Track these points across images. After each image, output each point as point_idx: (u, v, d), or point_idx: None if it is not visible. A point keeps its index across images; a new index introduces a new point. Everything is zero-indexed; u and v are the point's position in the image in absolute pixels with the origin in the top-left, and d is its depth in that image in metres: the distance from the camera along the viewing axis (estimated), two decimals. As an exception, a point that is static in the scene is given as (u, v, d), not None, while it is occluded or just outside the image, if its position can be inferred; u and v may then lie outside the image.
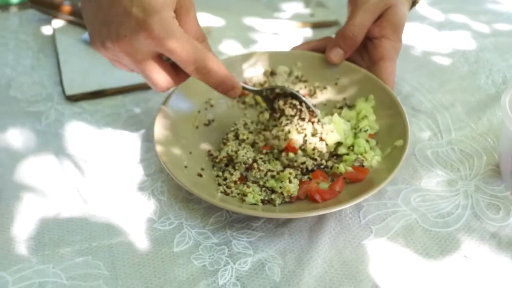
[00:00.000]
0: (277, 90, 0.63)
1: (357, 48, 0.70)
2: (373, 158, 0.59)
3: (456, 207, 0.56)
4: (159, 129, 0.60)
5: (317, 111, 0.62)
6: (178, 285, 0.49)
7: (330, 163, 0.59)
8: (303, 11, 0.94)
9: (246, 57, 0.71)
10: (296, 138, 0.59)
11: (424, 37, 0.87)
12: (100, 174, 0.61)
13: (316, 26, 0.90)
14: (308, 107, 0.61)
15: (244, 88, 0.61)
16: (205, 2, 0.97)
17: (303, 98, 0.62)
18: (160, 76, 0.54)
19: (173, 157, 0.58)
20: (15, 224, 0.55)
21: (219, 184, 0.57)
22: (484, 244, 0.53)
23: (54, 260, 0.51)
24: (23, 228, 0.54)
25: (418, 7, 0.95)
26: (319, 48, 0.73)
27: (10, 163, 0.62)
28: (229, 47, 0.84)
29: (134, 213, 0.56)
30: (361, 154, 0.59)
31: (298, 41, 0.84)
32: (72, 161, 0.62)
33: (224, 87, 0.57)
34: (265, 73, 0.71)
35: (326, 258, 0.51)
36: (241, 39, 0.86)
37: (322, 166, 0.59)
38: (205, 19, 0.91)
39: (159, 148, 0.57)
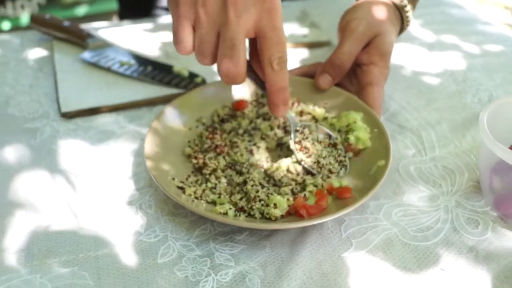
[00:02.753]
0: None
1: (347, 74, 0.73)
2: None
3: (436, 222, 0.58)
4: (149, 144, 0.63)
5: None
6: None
7: (319, 180, 0.61)
8: (297, 32, 0.97)
9: None
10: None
11: (415, 57, 0.90)
12: (91, 188, 0.63)
13: (309, 46, 0.93)
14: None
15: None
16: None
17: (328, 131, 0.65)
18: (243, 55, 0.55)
19: (161, 171, 0.60)
20: (6, 236, 0.57)
21: (200, 197, 0.59)
22: (461, 258, 0.54)
23: (41, 270, 0.53)
24: (13, 240, 0.56)
25: (410, 28, 0.97)
26: (310, 73, 0.75)
27: (4, 178, 0.64)
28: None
29: (121, 226, 0.58)
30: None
31: (291, 60, 0.87)
32: (64, 175, 0.65)
33: (281, 96, 0.58)
34: (257, 94, 0.74)
35: (306, 270, 0.53)
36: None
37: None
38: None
39: (148, 163, 0.60)
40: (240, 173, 0.62)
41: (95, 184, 0.64)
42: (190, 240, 0.56)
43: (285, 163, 0.63)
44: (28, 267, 0.53)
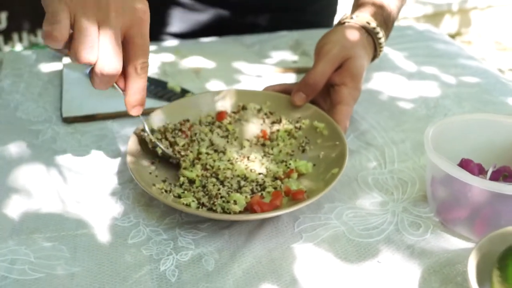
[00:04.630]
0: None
1: (321, 93, 0.81)
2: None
3: (382, 223, 0.65)
4: (133, 143, 0.72)
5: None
6: (126, 267, 0.59)
7: (278, 183, 0.69)
8: (288, 58, 1.07)
9: (222, 92, 0.83)
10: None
11: (393, 84, 0.98)
12: (80, 181, 0.72)
13: (297, 71, 1.02)
14: None
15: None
16: (202, 48, 1.11)
17: None
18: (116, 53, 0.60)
19: (140, 166, 0.69)
20: (1, 215, 0.66)
21: (170, 191, 0.67)
22: (398, 253, 0.61)
23: (27, 243, 0.62)
24: (6, 218, 0.65)
25: (394, 58, 1.06)
26: (287, 90, 0.83)
27: (6, 168, 0.74)
28: (215, 85, 0.96)
29: (101, 213, 0.67)
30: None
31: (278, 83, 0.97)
32: (58, 169, 0.74)
33: (139, 97, 0.65)
34: (237, 106, 0.83)
35: (256, 255, 0.61)
36: (226, 79, 0.99)
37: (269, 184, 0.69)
38: (198, 61, 1.05)
39: (129, 158, 0.69)
40: (213, 174, 0.71)
41: (84, 178, 0.73)
42: (159, 226, 0.65)
43: (241, 166, 0.71)
44: (16, 240, 0.62)
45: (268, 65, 1.05)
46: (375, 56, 0.87)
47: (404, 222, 0.66)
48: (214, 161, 0.72)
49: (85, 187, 0.71)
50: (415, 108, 0.91)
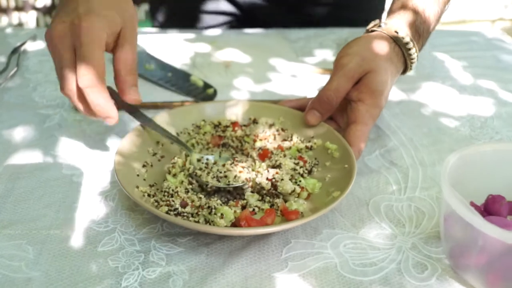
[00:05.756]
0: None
1: (340, 108, 0.73)
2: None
3: (382, 260, 0.57)
4: (127, 143, 0.68)
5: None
6: (86, 277, 0.54)
7: (276, 200, 0.63)
8: (331, 59, 0.99)
9: (235, 102, 0.77)
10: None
11: (440, 97, 0.88)
12: (72, 175, 0.69)
13: (336, 74, 0.94)
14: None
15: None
16: (241, 40, 1.05)
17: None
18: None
19: (127, 167, 0.65)
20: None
21: (153, 195, 0.62)
22: (392, 299, 0.53)
23: (-5, 238, 0.59)
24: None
25: (449, 65, 0.96)
26: (304, 106, 0.75)
27: (3, 151, 0.73)
28: (241, 82, 0.91)
29: (81, 213, 0.63)
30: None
31: (314, 86, 0.89)
32: (53, 159, 0.71)
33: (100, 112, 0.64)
34: (249, 119, 0.76)
35: (230, 282, 0.54)
36: (256, 77, 0.92)
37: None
38: (232, 54, 0.99)
39: (117, 157, 0.65)
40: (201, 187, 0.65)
41: (78, 170, 0.70)
42: (136, 235, 0.60)
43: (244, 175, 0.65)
44: (-15, 233, 0.60)
45: (307, 64, 0.98)
46: (406, 68, 0.77)
47: (409, 261, 0.57)
48: (203, 169, 0.66)
49: (75, 182, 0.68)
50: (458, 127, 0.81)
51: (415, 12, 0.75)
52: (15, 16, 2.90)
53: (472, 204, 0.60)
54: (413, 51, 0.73)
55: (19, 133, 0.77)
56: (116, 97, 0.68)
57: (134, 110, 0.71)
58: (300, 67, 0.96)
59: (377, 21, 0.76)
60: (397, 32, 0.73)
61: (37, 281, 0.54)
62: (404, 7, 0.75)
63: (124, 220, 0.62)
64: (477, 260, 0.53)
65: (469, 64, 0.99)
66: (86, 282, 0.54)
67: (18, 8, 2.89)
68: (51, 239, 0.59)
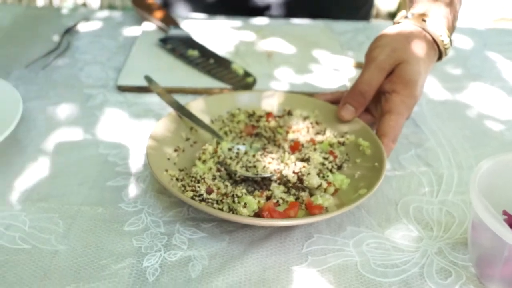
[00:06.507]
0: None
1: (375, 101, 0.73)
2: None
3: (405, 263, 0.57)
4: (160, 127, 0.69)
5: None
6: (109, 255, 0.56)
7: (302, 193, 0.63)
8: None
9: (272, 93, 0.78)
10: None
11: (488, 98, 0.86)
12: (109, 155, 0.71)
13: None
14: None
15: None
16: (287, 30, 1.05)
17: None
18: None
19: (160, 152, 0.66)
20: (20, 177, 0.67)
21: (182, 179, 0.63)
22: (410, 303, 0.53)
23: (29, 210, 0.61)
24: (26, 181, 0.66)
25: (500, 66, 0.93)
26: (340, 100, 0.75)
27: (45, 129, 0.75)
28: (282, 72, 0.90)
29: (113, 192, 0.65)
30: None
31: (354, 80, 0.88)
32: (93, 139, 0.74)
33: None
34: (283, 110, 0.76)
35: (248, 271, 0.55)
36: (297, 68, 0.92)
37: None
38: (276, 44, 0.99)
39: (149, 141, 0.66)
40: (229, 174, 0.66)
41: (114, 150, 0.72)
42: (162, 218, 0.61)
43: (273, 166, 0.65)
44: (21, 205, 0.62)
45: (352, 58, 0.96)
46: (440, 56, 0.75)
47: (433, 266, 0.56)
48: (233, 158, 0.67)
49: (110, 161, 0.70)
50: (503, 132, 0.78)
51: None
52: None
53: (505, 213, 0.58)
54: (444, 36, 0.73)
55: (63, 110, 0.79)
56: (149, 81, 0.69)
57: (167, 96, 0.72)
58: (344, 61, 0.95)
59: (404, 12, 0.75)
60: (424, 21, 0.72)
61: (63, 255, 0.56)
62: None
63: (152, 202, 0.63)
64: (502, 271, 0.52)
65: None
66: (109, 259, 0.56)
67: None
68: (81, 215, 0.61)
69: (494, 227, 0.49)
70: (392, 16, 3.45)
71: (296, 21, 1.11)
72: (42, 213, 0.61)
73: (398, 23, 0.76)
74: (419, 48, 0.71)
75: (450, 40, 0.74)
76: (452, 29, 0.75)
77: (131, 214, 0.62)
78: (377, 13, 3.45)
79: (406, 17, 0.75)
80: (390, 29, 0.75)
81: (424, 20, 0.73)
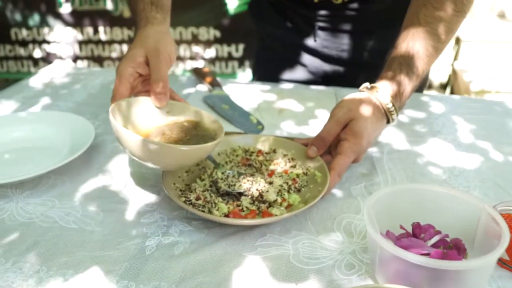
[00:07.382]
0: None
1: (334, 145, 0.88)
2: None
3: (324, 257, 0.68)
4: None
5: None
6: (124, 236, 0.73)
7: (263, 205, 0.78)
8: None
9: (265, 138, 0.94)
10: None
11: (437, 150, 0.97)
12: (146, 171, 0.91)
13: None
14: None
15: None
16: (302, 93, 1.22)
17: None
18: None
19: (175, 172, 0.85)
20: (86, 183, 0.88)
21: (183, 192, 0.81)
22: (318, 284, 0.67)
23: (85, 206, 0.81)
24: (86, 186, 0.87)
25: (459, 127, 1.04)
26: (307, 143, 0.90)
27: (111, 152, 0.97)
28: (286, 124, 1.07)
29: (140, 194, 0.83)
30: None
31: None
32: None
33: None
34: (270, 149, 0.93)
35: (213, 253, 0.69)
36: (299, 121, 1.07)
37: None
38: (289, 103, 1.16)
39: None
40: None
41: (149, 170, 0.91)
42: (167, 215, 0.78)
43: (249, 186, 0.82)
44: (79, 202, 0.82)
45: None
46: (388, 117, 0.89)
47: (344, 261, 0.69)
48: (223, 179, 0.84)
49: (142, 173, 0.89)
50: (440, 174, 0.88)
51: (398, 82, 0.88)
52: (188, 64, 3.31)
53: (402, 227, 0.71)
54: (389, 104, 0.87)
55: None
56: None
57: None
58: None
59: (367, 83, 0.91)
60: (377, 91, 0.87)
61: (97, 233, 0.74)
62: (392, 71, 0.89)
63: (164, 204, 0.82)
64: (381, 267, 0.65)
65: (477, 127, 1.06)
66: (124, 238, 0.73)
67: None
68: (115, 209, 0.80)
69: (370, 231, 0.63)
70: (443, 87, 3.52)
71: (312, 87, 1.28)
72: (90, 208, 0.81)
73: (361, 91, 0.91)
74: (367, 110, 0.85)
75: (394, 106, 0.87)
76: (399, 96, 0.89)
77: (148, 211, 0.79)
78: (430, 85, 3.53)
79: (367, 87, 0.91)
80: (351, 95, 0.89)
81: (376, 91, 0.88)
